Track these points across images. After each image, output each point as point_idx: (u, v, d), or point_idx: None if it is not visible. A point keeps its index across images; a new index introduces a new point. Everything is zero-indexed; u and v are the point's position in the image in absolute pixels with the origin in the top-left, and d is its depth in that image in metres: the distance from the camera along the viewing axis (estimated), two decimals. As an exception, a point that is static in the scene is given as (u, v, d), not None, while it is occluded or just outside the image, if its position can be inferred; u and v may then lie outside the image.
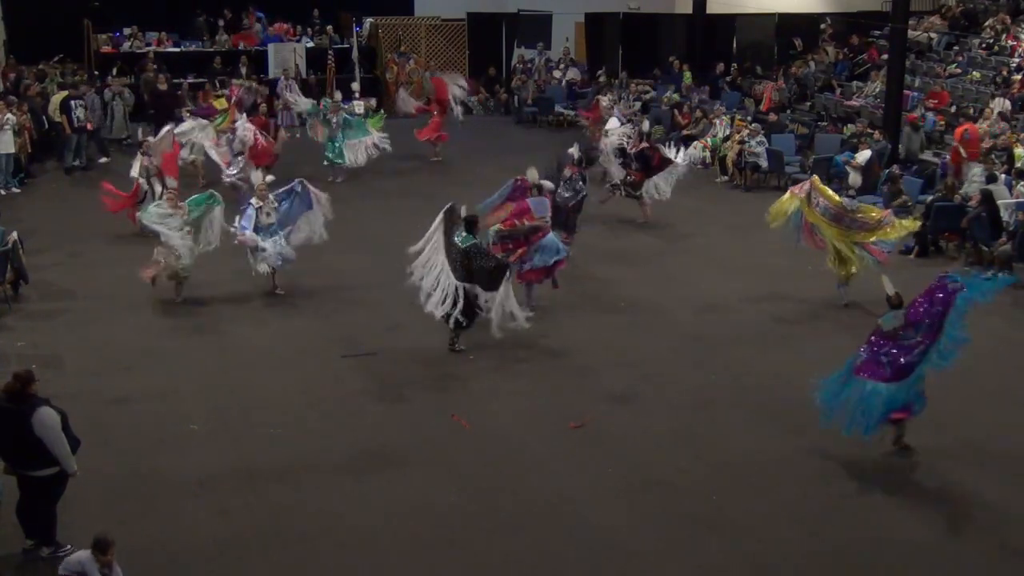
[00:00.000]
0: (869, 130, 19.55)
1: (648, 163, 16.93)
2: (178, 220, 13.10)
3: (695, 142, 21.79)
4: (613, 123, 18.07)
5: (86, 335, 12.40)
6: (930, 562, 8.16)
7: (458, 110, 21.81)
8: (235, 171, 17.11)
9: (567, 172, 14.91)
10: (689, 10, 27.04)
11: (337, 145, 19.54)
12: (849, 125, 20.75)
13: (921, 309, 9.26)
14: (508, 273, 11.68)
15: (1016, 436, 10.00)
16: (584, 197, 14.93)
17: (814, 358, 11.83)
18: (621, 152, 17.08)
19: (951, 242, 15.75)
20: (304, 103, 20.52)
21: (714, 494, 9.00)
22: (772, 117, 21.92)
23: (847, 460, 9.53)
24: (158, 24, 26.53)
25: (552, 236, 12.84)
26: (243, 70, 24.27)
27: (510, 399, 10.87)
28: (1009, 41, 22.26)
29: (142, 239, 14.49)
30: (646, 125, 18.81)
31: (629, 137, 17.40)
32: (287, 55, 25.99)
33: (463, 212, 11.92)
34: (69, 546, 8.01)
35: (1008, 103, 19.13)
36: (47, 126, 20.56)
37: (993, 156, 16.68)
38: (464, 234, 11.74)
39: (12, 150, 18.75)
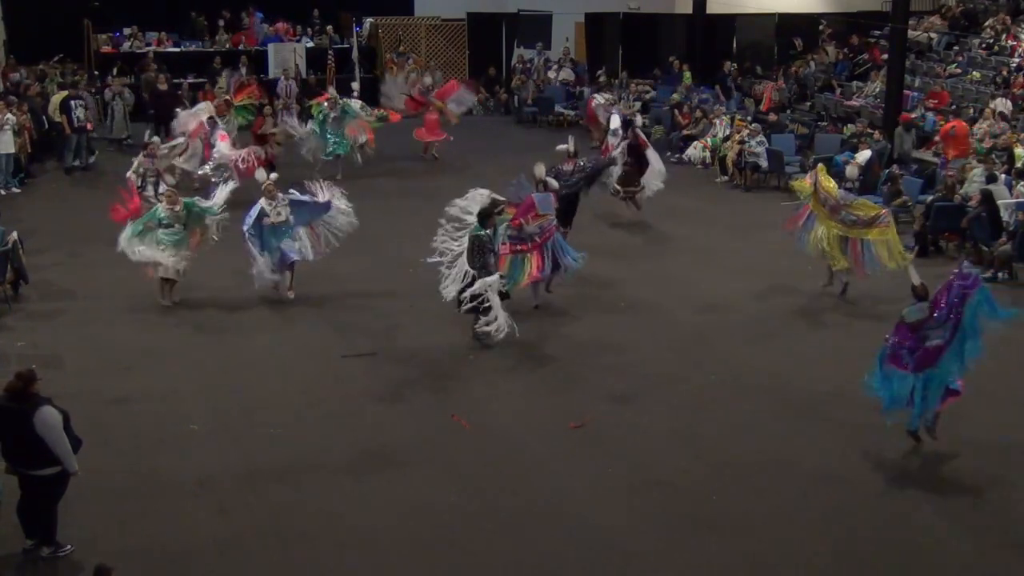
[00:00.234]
0: (869, 130, 19.56)
1: (639, 155, 16.96)
2: (169, 218, 12.99)
3: (695, 142, 21.83)
4: (615, 122, 18.03)
5: (86, 335, 12.40)
6: (931, 561, 8.16)
7: (454, 112, 21.76)
8: (211, 165, 17.22)
9: (567, 167, 14.96)
10: (689, 10, 27.04)
11: (332, 138, 19.52)
12: (849, 125, 20.76)
13: (943, 302, 9.31)
14: (490, 281, 11.77)
15: (1017, 435, 10.00)
16: (578, 184, 14.97)
17: (814, 358, 11.87)
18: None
19: (951, 242, 15.75)
20: (303, 132, 19.98)
21: (714, 494, 9.00)
22: (772, 117, 21.93)
23: (847, 460, 9.53)
24: (158, 24, 26.54)
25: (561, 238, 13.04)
26: (240, 70, 24.20)
27: (510, 399, 10.87)
28: (1009, 41, 22.26)
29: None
30: (638, 119, 18.87)
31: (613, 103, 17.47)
32: (287, 55, 26.00)
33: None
34: (69, 546, 8.03)
35: (1009, 103, 19.13)
36: (47, 126, 20.58)
37: (993, 156, 16.68)
38: (476, 225, 11.93)
39: (12, 150, 18.76)
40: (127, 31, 26.28)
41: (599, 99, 21.16)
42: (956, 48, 23.41)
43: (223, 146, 17.34)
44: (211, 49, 26.29)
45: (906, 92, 20.76)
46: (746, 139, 20.04)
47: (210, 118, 18.11)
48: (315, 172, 19.23)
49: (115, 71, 23.74)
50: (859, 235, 13.17)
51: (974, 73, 21.56)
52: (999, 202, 14.82)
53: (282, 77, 24.57)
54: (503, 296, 11.99)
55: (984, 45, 22.60)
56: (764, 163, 19.79)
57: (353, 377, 11.31)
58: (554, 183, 13.57)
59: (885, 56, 21.98)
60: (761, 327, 12.83)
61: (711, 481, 9.21)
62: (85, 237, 15.88)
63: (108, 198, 15.54)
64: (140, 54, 25.37)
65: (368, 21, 27.65)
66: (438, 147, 21.61)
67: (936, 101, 20.54)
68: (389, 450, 9.72)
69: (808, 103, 23.60)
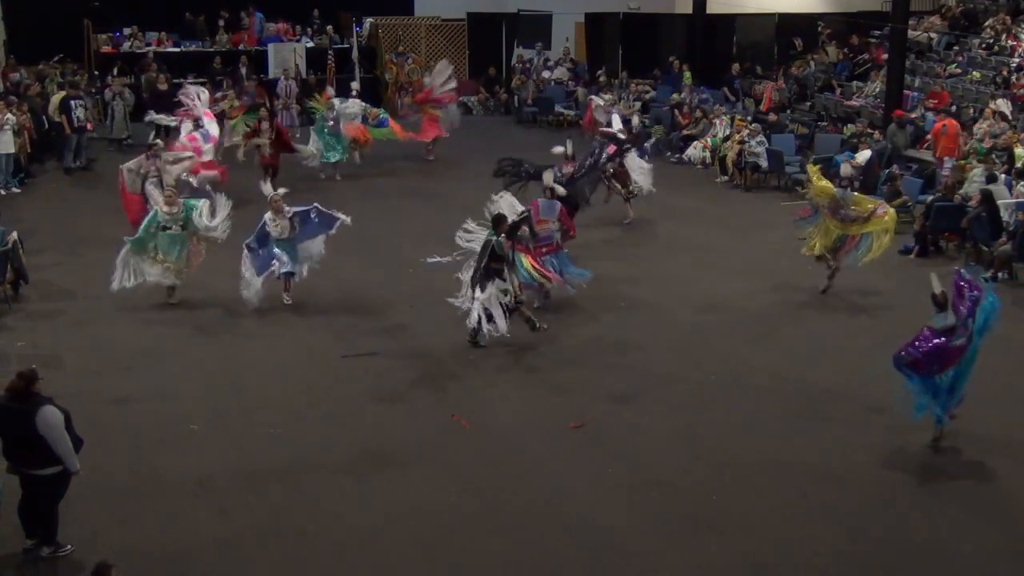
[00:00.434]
0: (869, 130, 19.56)
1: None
2: (168, 220, 12.99)
3: (695, 142, 21.82)
4: (616, 122, 18.02)
5: (86, 335, 12.40)
6: (932, 560, 8.16)
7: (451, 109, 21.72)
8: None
9: (567, 169, 14.98)
10: (689, 10, 27.02)
11: (331, 140, 19.49)
12: (849, 125, 20.75)
13: (962, 308, 9.38)
14: (490, 282, 11.78)
15: (1018, 433, 10.00)
16: (579, 181, 14.99)
17: (814, 358, 11.86)
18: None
19: (951, 242, 15.75)
20: (308, 151, 19.65)
21: (714, 494, 9.00)
22: (772, 117, 21.91)
23: (847, 460, 9.53)
24: (158, 24, 26.53)
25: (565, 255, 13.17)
26: (252, 79, 24.11)
27: (510, 399, 10.87)
28: (1009, 41, 22.24)
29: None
30: (635, 120, 18.83)
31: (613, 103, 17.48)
32: (287, 55, 25.98)
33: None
34: (69, 546, 8.03)
35: (1010, 103, 19.12)
36: (47, 126, 20.58)
37: (993, 156, 16.68)
38: (488, 229, 12.02)
39: (12, 150, 18.76)
40: (127, 31, 26.26)
41: (598, 100, 21.16)
42: (956, 48, 23.39)
43: (209, 148, 17.26)
44: (211, 49, 26.27)
45: (906, 92, 20.76)
46: (746, 139, 20.05)
47: (198, 126, 17.87)
48: (320, 176, 19.37)
49: (115, 71, 23.75)
50: (859, 231, 13.19)
51: (974, 73, 21.55)
52: (999, 202, 14.82)
53: (282, 77, 24.57)
54: (531, 327, 12.04)
55: (984, 45, 22.59)
56: (764, 163, 19.79)
57: (353, 377, 11.31)
58: (561, 190, 13.59)
59: (885, 56, 21.98)
60: (761, 327, 12.83)
61: (711, 481, 9.21)
62: (85, 237, 15.89)
63: (108, 198, 15.60)
64: (140, 54, 25.36)
65: (368, 21, 27.63)
66: (436, 148, 21.57)
67: (936, 101, 20.52)
68: (389, 450, 9.72)
69: (808, 103, 23.59)
